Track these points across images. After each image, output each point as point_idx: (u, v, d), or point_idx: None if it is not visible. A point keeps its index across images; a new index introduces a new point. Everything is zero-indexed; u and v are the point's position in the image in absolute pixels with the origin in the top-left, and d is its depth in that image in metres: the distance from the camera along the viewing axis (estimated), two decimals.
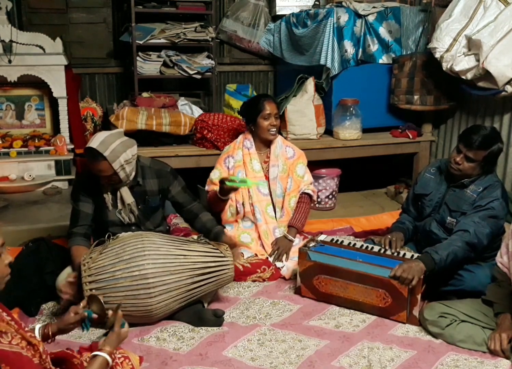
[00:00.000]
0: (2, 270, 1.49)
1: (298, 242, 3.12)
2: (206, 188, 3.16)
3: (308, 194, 3.23)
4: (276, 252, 3.01)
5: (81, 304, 1.82)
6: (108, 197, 2.59)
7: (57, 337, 2.27)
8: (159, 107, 3.99)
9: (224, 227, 3.02)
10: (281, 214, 3.17)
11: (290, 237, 3.07)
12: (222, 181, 2.86)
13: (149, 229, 2.69)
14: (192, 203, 2.78)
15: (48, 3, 4.68)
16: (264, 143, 3.18)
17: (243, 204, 3.11)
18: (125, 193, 2.58)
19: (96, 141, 2.43)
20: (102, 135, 2.47)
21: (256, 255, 3.00)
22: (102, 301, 1.81)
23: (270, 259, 2.99)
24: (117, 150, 2.43)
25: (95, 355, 1.60)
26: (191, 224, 2.83)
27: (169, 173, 2.72)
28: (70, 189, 4.13)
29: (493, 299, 2.32)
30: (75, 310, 1.78)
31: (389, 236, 2.73)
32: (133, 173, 2.59)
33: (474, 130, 2.62)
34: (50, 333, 1.76)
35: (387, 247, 2.67)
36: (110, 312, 1.76)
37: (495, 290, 2.36)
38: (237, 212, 3.12)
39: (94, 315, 1.79)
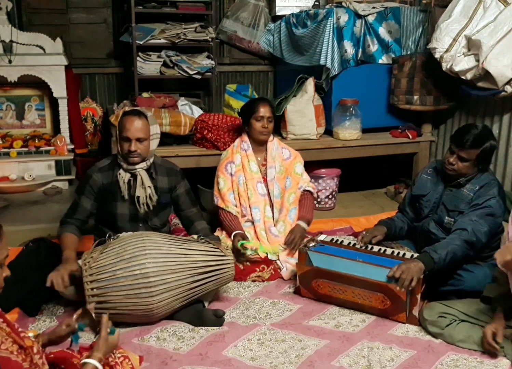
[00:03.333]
0: None
1: None
2: (215, 200, 3.16)
3: (309, 191, 3.28)
4: (292, 240, 2.99)
5: (74, 316, 1.79)
6: (124, 185, 2.60)
7: None
8: (159, 107, 3.99)
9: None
10: (280, 211, 3.21)
11: (304, 224, 3.09)
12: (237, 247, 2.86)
13: (156, 226, 2.72)
14: (190, 208, 2.81)
15: (48, 3, 4.68)
16: (259, 144, 3.22)
17: (245, 207, 3.15)
18: (145, 176, 2.62)
19: (136, 108, 2.69)
20: (137, 107, 2.71)
21: (256, 251, 3.00)
22: (93, 315, 1.77)
23: (281, 248, 3.00)
24: (153, 119, 2.66)
25: (85, 363, 1.58)
26: (186, 229, 2.87)
27: (179, 173, 2.79)
28: (70, 189, 4.16)
29: (491, 295, 2.31)
30: (68, 322, 1.76)
31: (363, 232, 2.77)
32: (152, 158, 2.65)
33: (465, 129, 2.63)
34: (40, 344, 1.74)
35: (364, 241, 2.71)
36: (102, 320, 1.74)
37: (493, 287, 2.35)
38: (243, 215, 3.16)
39: (86, 328, 1.76)
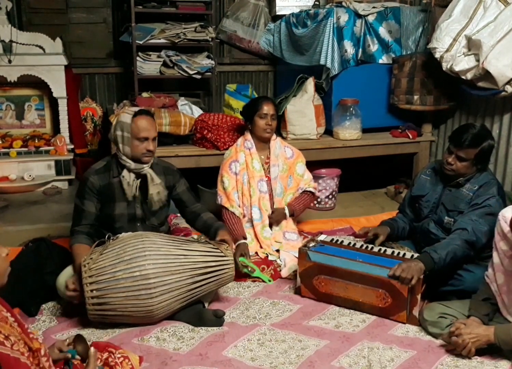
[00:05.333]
0: (1, 263, 1.48)
1: (296, 239, 3.15)
2: (219, 200, 3.17)
3: (310, 192, 3.32)
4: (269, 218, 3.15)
5: (67, 341, 1.77)
6: (129, 187, 2.60)
7: (56, 336, 2.29)
8: (159, 107, 3.98)
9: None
10: None
11: (287, 211, 3.18)
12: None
13: (153, 225, 2.71)
14: (195, 203, 2.82)
15: (48, 3, 4.67)
16: (263, 142, 3.23)
17: (247, 206, 3.16)
18: (153, 173, 2.63)
19: (136, 108, 2.66)
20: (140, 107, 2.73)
21: (257, 253, 3.01)
22: (87, 342, 1.75)
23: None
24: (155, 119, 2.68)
25: None
26: (192, 223, 2.85)
27: (176, 171, 2.79)
28: (70, 189, 4.16)
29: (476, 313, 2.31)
30: (60, 346, 1.73)
31: (372, 229, 2.78)
32: (153, 158, 2.67)
33: (463, 129, 2.64)
34: None
35: (363, 233, 2.76)
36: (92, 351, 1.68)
37: (475, 302, 2.34)
38: (244, 215, 3.17)
39: (77, 357, 1.73)
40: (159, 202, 2.66)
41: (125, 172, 2.59)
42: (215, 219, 2.79)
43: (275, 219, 3.16)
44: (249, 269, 2.81)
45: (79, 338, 1.78)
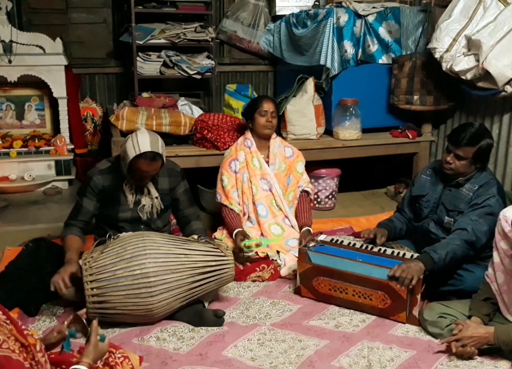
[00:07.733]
0: None
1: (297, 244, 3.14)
2: (218, 198, 3.18)
3: (306, 191, 3.32)
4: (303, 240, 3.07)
5: (65, 322, 1.78)
6: (131, 196, 2.63)
7: None
8: (159, 107, 3.99)
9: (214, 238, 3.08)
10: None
11: (310, 229, 3.15)
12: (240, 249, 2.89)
13: (158, 227, 2.73)
14: (188, 208, 2.82)
15: (48, 3, 4.67)
16: (263, 140, 3.25)
17: (248, 204, 3.17)
18: (152, 188, 2.65)
19: (145, 144, 2.48)
20: (145, 136, 2.51)
21: (256, 253, 3.01)
22: (84, 321, 1.77)
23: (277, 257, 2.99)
24: (162, 145, 2.59)
25: None
26: (182, 229, 2.86)
27: (179, 173, 2.80)
28: (70, 189, 4.17)
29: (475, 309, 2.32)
30: (59, 329, 1.74)
31: (373, 230, 2.78)
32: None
33: (461, 128, 2.65)
34: None
35: (366, 236, 2.74)
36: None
37: (476, 302, 2.35)
38: (244, 213, 3.17)
39: (78, 335, 1.75)
40: (148, 213, 2.67)
41: (127, 181, 2.63)
42: (202, 232, 2.77)
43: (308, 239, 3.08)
44: (258, 244, 2.82)
45: (76, 318, 1.78)
